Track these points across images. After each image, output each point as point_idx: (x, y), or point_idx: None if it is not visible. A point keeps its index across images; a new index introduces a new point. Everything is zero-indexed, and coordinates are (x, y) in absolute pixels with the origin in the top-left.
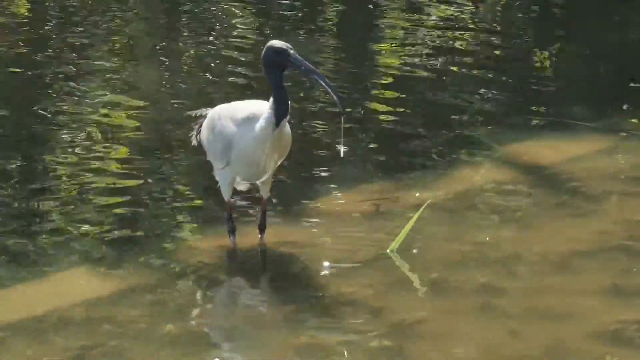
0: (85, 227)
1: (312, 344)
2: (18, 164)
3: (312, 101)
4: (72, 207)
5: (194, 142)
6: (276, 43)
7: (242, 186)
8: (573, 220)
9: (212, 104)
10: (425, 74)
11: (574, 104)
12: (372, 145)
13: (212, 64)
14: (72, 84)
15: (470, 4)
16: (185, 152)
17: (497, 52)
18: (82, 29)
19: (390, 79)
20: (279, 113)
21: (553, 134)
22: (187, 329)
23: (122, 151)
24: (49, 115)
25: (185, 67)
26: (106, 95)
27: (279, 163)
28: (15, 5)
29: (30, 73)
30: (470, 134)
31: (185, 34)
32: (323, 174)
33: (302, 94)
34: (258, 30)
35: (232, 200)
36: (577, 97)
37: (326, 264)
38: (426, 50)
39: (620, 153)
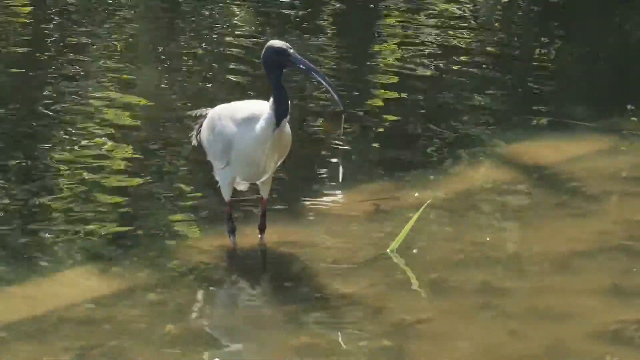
0: (85, 227)
1: (312, 344)
2: (18, 164)
3: (313, 101)
4: (72, 207)
5: (194, 142)
6: (276, 43)
7: (242, 186)
8: (573, 220)
9: (212, 104)
10: (425, 73)
11: (574, 104)
12: (372, 145)
13: (212, 64)
14: (72, 83)
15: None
16: (185, 151)
17: (497, 51)
18: (82, 28)
19: (390, 79)
20: (279, 113)
21: (553, 134)
22: (187, 329)
23: (122, 151)
24: (49, 114)
25: (185, 66)
26: (106, 94)
27: (279, 163)
28: (16, 5)
29: (31, 73)
30: (470, 134)
31: (185, 33)
32: (323, 174)
33: (302, 94)
34: (258, 30)
35: (231, 200)
36: (577, 97)
37: (326, 264)
38: (426, 50)
39: (620, 153)
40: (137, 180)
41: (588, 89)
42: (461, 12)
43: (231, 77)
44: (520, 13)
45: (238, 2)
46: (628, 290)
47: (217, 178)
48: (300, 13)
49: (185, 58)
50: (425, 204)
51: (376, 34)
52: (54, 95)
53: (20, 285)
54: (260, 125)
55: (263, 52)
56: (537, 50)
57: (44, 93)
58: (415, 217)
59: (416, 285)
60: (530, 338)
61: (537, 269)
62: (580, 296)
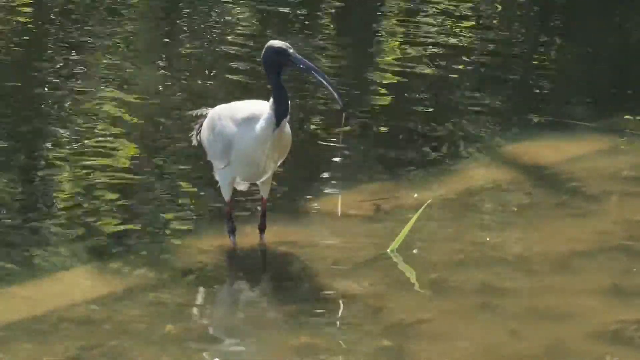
0: (85, 227)
1: (312, 344)
2: (18, 163)
3: (313, 101)
4: (72, 207)
5: (194, 142)
6: (276, 43)
7: (242, 186)
8: (573, 220)
9: (212, 103)
10: (425, 73)
11: (574, 104)
12: (372, 145)
13: (212, 64)
14: (72, 81)
15: None
16: (185, 151)
17: (497, 51)
18: (83, 27)
19: (390, 78)
20: (279, 113)
21: (553, 134)
22: (187, 329)
23: (121, 151)
24: (50, 112)
25: (185, 66)
26: (107, 93)
27: (279, 163)
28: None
29: (32, 72)
30: (470, 134)
31: (185, 32)
32: (323, 174)
33: (302, 94)
34: (258, 30)
35: (232, 200)
36: (577, 97)
37: (326, 264)
38: (426, 50)
39: (620, 153)
40: (137, 180)
41: (588, 89)
42: (461, 11)
43: (231, 77)
44: (520, 14)
45: (238, 2)
46: (628, 290)
47: (217, 178)
48: (300, 12)
49: (186, 57)
50: (426, 204)
51: (376, 33)
52: (55, 94)
53: (20, 285)
54: (260, 125)
55: (263, 52)
56: (537, 50)
57: (44, 91)
58: (415, 217)
59: (416, 285)
60: (530, 338)
61: (537, 269)
62: (580, 296)
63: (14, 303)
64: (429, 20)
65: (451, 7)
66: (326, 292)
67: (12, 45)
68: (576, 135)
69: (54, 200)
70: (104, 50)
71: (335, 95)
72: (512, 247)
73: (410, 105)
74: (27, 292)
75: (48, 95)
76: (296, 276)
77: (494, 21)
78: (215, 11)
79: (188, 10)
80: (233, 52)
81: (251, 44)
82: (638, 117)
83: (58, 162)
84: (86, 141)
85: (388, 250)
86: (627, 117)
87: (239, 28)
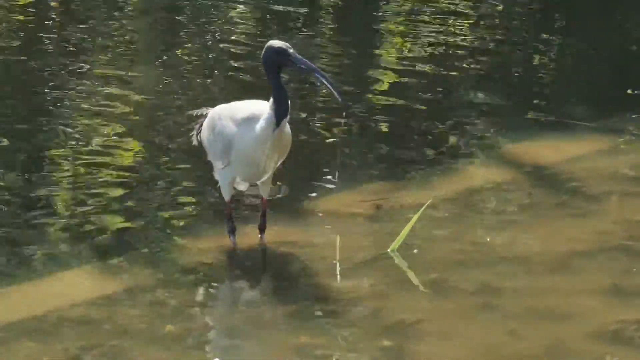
0: (85, 227)
1: (312, 344)
2: (18, 162)
3: (313, 101)
4: (72, 207)
5: (194, 142)
6: (276, 43)
7: (242, 186)
8: (573, 220)
9: (212, 103)
10: (425, 72)
11: (574, 104)
12: (372, 145)
13: (213, 64)
14: (73, 80)
15: None
16: (185, 151)
17: (497, 51)
18: (83, 25)
19: (390, 79)
20: (279, 113)
21: (553, 134)
22: (187, 329)
23: (121, 151)
24: (50, 111)
25: (185, 65)
26: (107, 92)
27: (279, 163)
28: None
29: (32, 71)
30: (470, 134)
31: (186, 32)
32: (323, 174)
33: (302, 94)
34: (258, 30)
35: (232, 200)
36: (577, 97)
37: (326, 264)
38: (426, 49)
39: (620, 153)
40: (137, 180)
41: (588, 89)
42: (462, 10)
43: (231, 77)
44: (520, 14)
45: (238, 2)
46: (628, 290)
47: (217, 178)
48: (300, 11)
49: (186, 57)
50: (426, 204)
51: (377, 32)
52: (55, 92)
53: (20, 285)
54: (260, 125)
55: (263, 52)
56: (537, 50)
57: (45, 90)
58: (415, 217)
59: (416, 286)
60: (530, 338)
61: (537, 269)
62: (580, 296)
63: (14, 303)
64: (430, 19)
65: (452, 6)
66: (326, 292)
67: (12, 44)
68: (576, 135)
69: (54, 200)
70: (105, 49)
71: (336, 94)
72: (512, 247)
73: (411, 105)
74: (27, 292)
75: (48, 93)
76: (296, 276)
77: (495, 20)
78: (216, 10)
79: (188, 10)
80: (234, 51)
81: (251, 44)
82: (638, 117)
83: (58, 162)
84: (86, 141)
85: (388, 250)
86: (627, 117)
87: (240, 27)
